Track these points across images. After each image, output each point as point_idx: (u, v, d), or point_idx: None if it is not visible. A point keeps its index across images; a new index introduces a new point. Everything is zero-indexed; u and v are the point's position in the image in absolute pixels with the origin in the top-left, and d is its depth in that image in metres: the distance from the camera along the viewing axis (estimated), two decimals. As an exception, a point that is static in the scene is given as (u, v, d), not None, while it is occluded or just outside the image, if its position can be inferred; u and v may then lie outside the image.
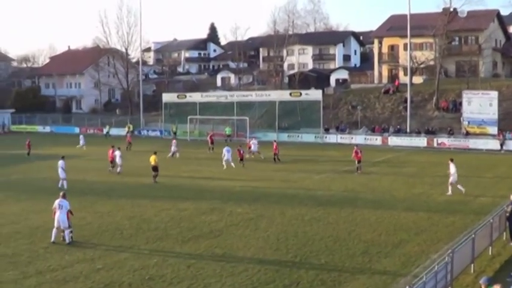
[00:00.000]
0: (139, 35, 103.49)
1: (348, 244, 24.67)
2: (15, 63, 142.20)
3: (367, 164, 49.43)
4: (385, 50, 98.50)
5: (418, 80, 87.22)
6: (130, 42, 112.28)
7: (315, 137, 74.04)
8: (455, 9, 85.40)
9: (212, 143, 62.19)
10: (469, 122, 68.82)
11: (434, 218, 29.27)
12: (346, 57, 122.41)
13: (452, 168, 36.26)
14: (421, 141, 67.25)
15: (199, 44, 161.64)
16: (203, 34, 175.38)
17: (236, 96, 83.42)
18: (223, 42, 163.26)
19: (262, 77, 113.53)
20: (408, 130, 72.72)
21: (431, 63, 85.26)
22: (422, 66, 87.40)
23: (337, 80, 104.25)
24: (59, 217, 25.09)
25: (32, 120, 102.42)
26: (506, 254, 23.14)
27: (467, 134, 67.89)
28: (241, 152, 50.85)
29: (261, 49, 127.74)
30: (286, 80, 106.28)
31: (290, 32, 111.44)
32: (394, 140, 68.76)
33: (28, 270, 21.60)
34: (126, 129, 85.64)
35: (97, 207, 33.29)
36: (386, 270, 21.35)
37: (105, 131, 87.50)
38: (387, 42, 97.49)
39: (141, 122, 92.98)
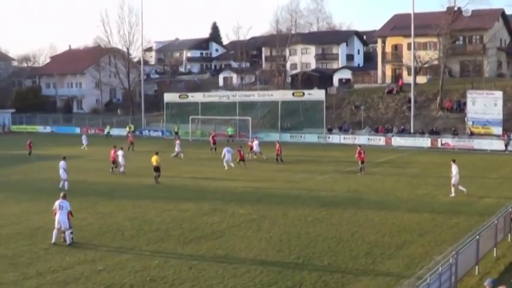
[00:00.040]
0: (140, 35, 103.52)
1: (351, 245, 24.66)
2: (15, 63, 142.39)
3: (371, 164, 49.42)
4: (388, 49, 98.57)
5: (422, 79, 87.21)
6: (131, 42, 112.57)
7: (318, 137, 73.99)
8: (459, 8, 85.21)
9: (214, 143, 62.16)
10: (473, 122, 68.80)
11: (439, 219, 29.24)
12: (349, 57, 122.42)
13: (454, 169, 36.22)
14: (425, 142, 67.15)
15: (201, 44, 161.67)
16: (205, 33, 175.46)
17: (238, 96, 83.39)
18: (225, 41, 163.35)
19: (264, 77, 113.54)
20: (412, 130, 72.65)
21: (435, 62, 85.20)
22: (426, 65, 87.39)
23: (340, 80, 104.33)
24: (60, 218, 25.11)
25: (33, 121, 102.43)
26: (511, 255, 23.11)
27: (472, 134, 67.84)
28: (242, 152, 50.85)
29: (263, 49, 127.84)
30: (288, 79, 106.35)
31: (293, 32, 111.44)
32: (397, 141, 68.68)
33: (28, 272, 21.61)
34: (127, 129, 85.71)
35: (98, 208, 33.31)
36: (389, 271, 21.34)
37: (106, 131, 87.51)
38: (391, 41, 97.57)
39: (143, 122, 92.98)
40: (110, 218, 30.69)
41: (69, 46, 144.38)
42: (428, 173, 45.91)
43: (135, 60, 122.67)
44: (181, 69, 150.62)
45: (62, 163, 40.50)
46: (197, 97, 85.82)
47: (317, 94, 78.50)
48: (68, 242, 25.02)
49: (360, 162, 46.38)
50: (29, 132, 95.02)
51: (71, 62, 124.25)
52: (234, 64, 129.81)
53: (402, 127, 74.51)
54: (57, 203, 25.53)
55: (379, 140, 69.83)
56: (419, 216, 29.98)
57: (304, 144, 71.14)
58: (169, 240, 25.77)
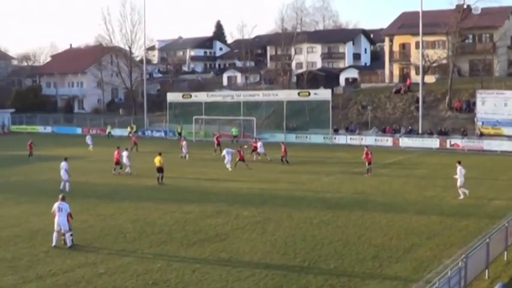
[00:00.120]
0: (143, 33, 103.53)
1: (358, 248, 24.63)
2: (15, 62, 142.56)
3: (378, 165, 49.37)
4: (396, 48, 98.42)
5: (430, 79, 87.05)
6: (134, 41, 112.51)
7: (324, 137, 73.89)
8: (468, 6, 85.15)
9: (219, 144, 61.94)
10: (483, 123, 68.61)
11: (447, 222, 29.19)
12: (356, 56, 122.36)
13: (458, 171, 36.12)
14: (434, 143, 66.96)
15: (205, 42, 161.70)
16: (209, 32, 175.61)
17: (243, 96, 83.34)
18: (229, 40, 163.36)
19: (269, 76, 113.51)
20: (420, 131, 72.50)
21: (444, 61, 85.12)
22: (434, 65, 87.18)
23: (346, 80, 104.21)
24: (59, 220, 25.13)
25: (33, 121, 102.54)
26: (522, 259, 23.07)
27: (481, 135, 67.64)
28: (242, 152, 50.86)
29: (268, 47, 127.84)
30: (294, 79, 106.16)
31: (298, 30, 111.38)
32: (405, 141, 68.54)
33: (28, 275, 21.63)
34: (129, 129, 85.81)
35: (99, 210, 33.34)
36: (397, 275, 21.30)
37: (107, 131, 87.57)
38: (398, 40, 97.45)
39: (145, 122, 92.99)
40: (111, 220, 30.71)
41: (70, 45, 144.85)
42: (437, 175, 45.81)
43: (138, 59, 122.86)
44: (185, 68, 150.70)
45: (63, 164, 40.55)
46: (201, 97, 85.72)
47: (323, 94, 78.39)
48: (68, 244, 25.04)
49: (366, 163, 46.31)
50: (29, 132, 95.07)
51: (72, 61, 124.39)
52: (239, 63, 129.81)
53: (410, 127, 74.39)
54: (56, 205, 25.55)
55: (387, 141, 69.67)
56: (427, 219, 29.92)
57: (310, 145, 71.07)
58: (172, 243, 25.77)
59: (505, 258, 22.60)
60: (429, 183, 42.07)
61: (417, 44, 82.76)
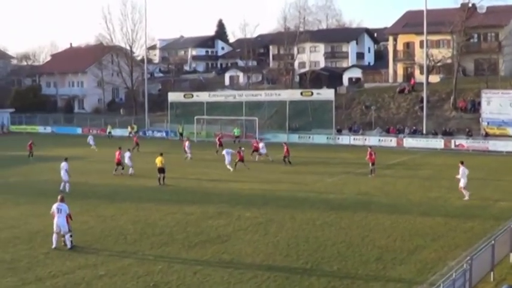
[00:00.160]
0: (144, 32, 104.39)
1: (361, 250, 24.61)
2: (14, 61, 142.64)
3: (382, 166, 49.34)
4: (400, 47, 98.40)
5: (434, 78, 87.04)
6: (135, 40, 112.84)
7: (327, 138, 73.86)
8: (473, 4, 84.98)
9: (221, 144, 61.91)
10: (488, 123, 68.55)
11: (452, 223, 29.16)
12: (360, 55, 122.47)
13: (461, 171, 36.07)
14: (438, 143, 66.92)
15: (207, 42, 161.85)
16: (211, 31, 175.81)
17: (245, 96, 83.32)
18: (231, 39, 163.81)
19: (272, 76, 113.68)
20: (424, 131, 72.44)
21: (449, 61, 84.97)
22: (439, 64, 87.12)
23: (350, 79, 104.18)
24: (58, 222, 25.12)
25: (33, 121, 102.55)
26: (528, 261, 23.03)
27: (487, 135, 67.57)
28: (241, 153, 50.90)
29: (270, 47, 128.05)
30: (297, 78, 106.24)
31: (301, 29, 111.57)
32: (409, 142, 68.49)
33: (27, 277, 21.63)
34: (129, 129, 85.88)
35: (100, 211, 33.34)
36: (401, 277, 21.27)
37: (107, 131, 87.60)
38: (402, 39, 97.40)
39: (146, 123, 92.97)
40: (111, 221, 30.71)
41: (71, 44, 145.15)
42: (442, 175, 45.73)
43: (139, 58, 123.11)
44: (186, 67, 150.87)
45: (63, 164, 40.56)
46: (202, 97, 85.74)
47: (326, 94, 78.33)
48: (68, 246, 25.03)
49: (370, 164, 46.26)
50: (28, 132, 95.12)
51: (72, 60, 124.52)
52: (241, 63, 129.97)
53: (414, 128, 74.32)
54: (55, 206, 25.53)
55: (391, 141, 69.64)
56: (432, 220, 29.89)
57: (313, 145, 71.06)
58: (173, 245, 25.77)
59: (511, 260, 22.52)
60: (434, 184, 42.02)
61: (421, 43, 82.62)
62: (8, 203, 36.41)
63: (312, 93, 78.15)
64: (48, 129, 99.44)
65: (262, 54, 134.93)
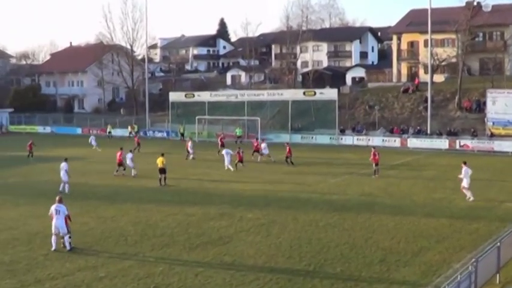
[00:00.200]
0: (145, 31, 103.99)
1: (365, 252, 24.59)
2: (14, 60, 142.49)
3: (385, 167, 49.32)
4: (404, 46, 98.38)
5: (439, 78, 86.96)
6: (135, 39, 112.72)
7: (330, 138, 73.85)
8: (479, 3, 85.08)
9: (223, 145, 61.92)
10: (493, 123, 68.52)
11: (457, 225, 29.13)
12: (363, 55, 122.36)
13: (463, 171, 36.03)
14: (443, 143, 66.88)
15: (208, 41, 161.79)
16: (212, 30, 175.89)
17: (247, 96, 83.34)
18: (233, 38, 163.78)
19: (274, 75, 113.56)
20: (429, 131, 72.43)
21: (454, 60, 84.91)
22: (443, 63, 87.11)
23: (353, 79, 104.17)
24: (56, 223, 25.06)
25: (32, 120, 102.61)
26: (534, 263, 22.99)
27: (492, 135, 67.51)
28: (241, 154, 50.99)
29: (273, 46, 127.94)
30: (299, 78, 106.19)
31: (304, 28, 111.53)
32: (413, 142, 68.46)
33: (26, 279, 21.62)
34: (129, 129, 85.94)
35: (100, 212, 33.35)
36: (405, 279, 21.25)
37: (107, 131, 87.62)
38: (406, 38, 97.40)
39: (147, 123, 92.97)
40: (112, 222, 30.72)
41: (70, 43, 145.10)
42: (446, 176, 45.62)
43: (139, 57, 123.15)
44: (188, 67, 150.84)
45: (63, 165, 40.58)
46: (204, 96, 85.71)
47: (329, 93, 78.34)
48: (67, 247, 25.01)
49: (374, 165, 46.25)
50: (28, 132, 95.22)
51: (72, 59, 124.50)
52: (243, 62, 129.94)
53: (418, 128, 74.26)
54: (53, 207, 25.48)
55: (394, 142, 69.60)
56: (436, 222, 29.87)
57: (316, 146, 71.07)
58: (174, 246, 25.76)
59: (517, 262, 22.58)
60: (438, 185, 41.99)
61: (426, 42, 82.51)
62: (7, 203, 36.42)
63: (315, 93, 78.13)
64: (48, 129, 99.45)
65: (264, 54, 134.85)
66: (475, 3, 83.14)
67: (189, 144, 59.35)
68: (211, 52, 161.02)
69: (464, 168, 36.11)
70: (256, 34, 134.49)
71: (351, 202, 35.85)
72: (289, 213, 32.19)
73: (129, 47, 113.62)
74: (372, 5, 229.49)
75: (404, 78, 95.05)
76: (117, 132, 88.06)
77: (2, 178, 47.84)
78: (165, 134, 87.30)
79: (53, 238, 25.18)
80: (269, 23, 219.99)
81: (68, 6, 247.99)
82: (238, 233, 28.14)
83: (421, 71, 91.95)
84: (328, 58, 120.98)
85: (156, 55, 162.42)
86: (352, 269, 22.47)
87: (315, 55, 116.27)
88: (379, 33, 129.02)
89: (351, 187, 41.57)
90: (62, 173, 40.22)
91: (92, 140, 70.43)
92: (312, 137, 75.63)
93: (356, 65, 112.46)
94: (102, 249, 25.49)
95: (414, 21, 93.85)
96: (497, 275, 20.43)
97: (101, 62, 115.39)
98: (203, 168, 51.95)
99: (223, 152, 51.50)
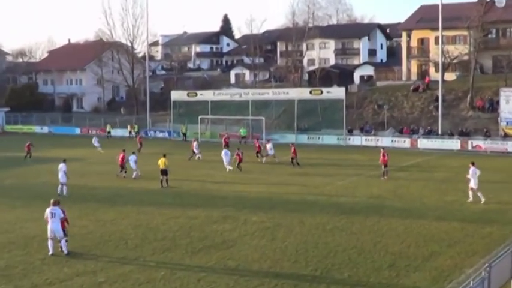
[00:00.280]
0: (146, 28, 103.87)
1: (374, 256, 24.55)
2: (10, 58, 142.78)
3: (395, 168, 49.30)
4: (414, 43, 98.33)
5: (450, 76, 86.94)
6: (136, 36, 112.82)
7: (338, 138, 73.84)
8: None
9: (227, 145, 62.02)
10: (507, 123, 68.40)
11: (469, 229, 29.07)
12: (372, 52, 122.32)
13: (471, 172, 35.97)
14: (454, 144, 66.78)
15: (212, 38, 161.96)
16: (215, 27, 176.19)
17: (251, 95, 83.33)
18: (237, 35, 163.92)
19: (279, 74, 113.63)
20: (440, 132, 72.29)
21: (466, 58, 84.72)
22: (455, 61, 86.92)
23: (361, 77, 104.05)
24: (52, 227, 24.99)
25: (29, 120, 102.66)
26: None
27: (506, 136, 67.40)
28: (240, 155, 51.09)
29: (278, 43, 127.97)
30: (305, 76, 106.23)
31: (310, 25, 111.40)
32: (424, 143, 68.41)
33: (23, 284, 21.63)
34: (129, 129, 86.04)
35: (99, 215, 33.38)
36: (415, 285, 21.23)
37: (106, 131, 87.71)
38: (417, 35, 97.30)
39: (148, 122, 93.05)
40: (112, 225, 30.73)
41: (69, 40, 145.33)
42: (458, 178, 45.40)
43: (140, 55, 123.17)
44: (190, 65, 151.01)
45: (61, 166, 40.62)
46: (207, 95, 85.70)
47: (336, 92, 78.28)
48: (65, 251, 24.98)
49: (382, 166, 46.20)
50: (24, 132, 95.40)
51: (71, 57, 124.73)
52: (247, 60, 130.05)
53: (429, 128, 74.19)
54: (48, 210, 25.39)
55: (404, 142, 69.56)
56: (448, 225, 29.82)
57: (323, 146, 71.05)
58: (176, 250, 25.76)
59: (531, 268, 22.51)
60: (449, 187, 41.92)
61: (437, 39, 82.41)
62: (3, 206, 36.48)
63: (322, 92, 78.05)
64: (45, 129, 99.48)
65: (269, 51, 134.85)
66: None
67: (195, 144, 59.51)
68: (214, 49, 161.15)
69: (472, 169, 36.08)
70: (261, 31, 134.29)
71: (359, 205, 35.83)
72: (295, 216, 32.17)
73: (129, 44, 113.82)
74: (381, 0, 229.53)
75: (414, 77, 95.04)
76: (117, 132, 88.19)
77: (-2, 180, 47.99)
78: (166, 134, 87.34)
79: (49, 242, 25.12)
80: (274, 19, 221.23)
81: (67, 2, 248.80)
82: (243, 236, 28.14)
83: (432, 69, 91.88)
84: (336, 56, 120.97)
85: (158, 53, 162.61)
86: (360, 274, 22.43)
87: (321, 53, 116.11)
88: (388, 30, 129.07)
89: (359, 189, 41.55)
90: (60, 175, 40.25)
91: (95, 141, 70.37)
92: (319, 138, 75.59)
93: (364, 63, 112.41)
94: (102, 253, 25.49)
95: (425, 17, 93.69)
96: (512, 280, 20.43)
97: (100, 60, 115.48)
98: (206, 170, 51.99)
99: (223, 152, 51.61)
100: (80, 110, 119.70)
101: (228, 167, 50.28)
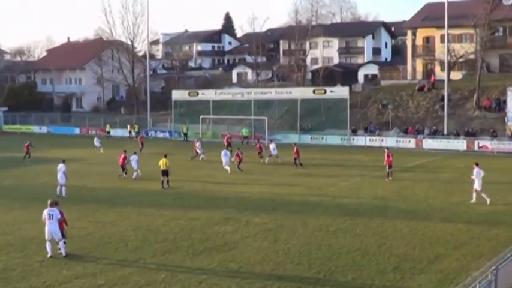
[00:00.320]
0: (146, 26, 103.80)
1: (378, 259, 24.53)
2: (8, 57, 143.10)
3: (399, 169, 49.26)
4: (419, 42, 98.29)
5: (456, 75, 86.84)
6: (136, 34, 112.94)
7: (341, 139, 73.82)
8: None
9: (229, 146, 62.07)
10: (514, 123, 68.46)
11: (475, 230, 29.04)
12: (376, 51, 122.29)
13: (475, 173, 35.94)
14: (460, 144, 66.73)
15: (213, 36, 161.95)
16: (217, 25, 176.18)
17: (254, 94, 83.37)
18: (239, 34, 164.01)
19: (282, 73, 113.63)
20: (445, 132, 72.25)
21: (472, 56, 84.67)
22: (461, 60, 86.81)
23: (365, 76, 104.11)
24: (50, 228, 24.94)
25: (27, 120, 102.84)
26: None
27: (513, 136, 67.47)
28: (240, 156, 51.15)
29: (281, 42, 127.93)
30: (309, 76, 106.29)
31: (313, 23, 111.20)
32: (429, 143, 68.36)
33: (21, 287, 21.63)
34: (129, 128, 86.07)
35: (99, 216, 33.38)
36: (421, 288, 21.22)
37: (106, 130, 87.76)
38: (422, 33, 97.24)
39: (149, 122, 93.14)
40: (111, 227, 30.73)
41: (68, 38, 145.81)
42: (464, 179, 45.24)
43: (140, 54, 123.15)
44: (191, 64, 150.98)
45: (61, 166, 40.63)
46: (208, 95, 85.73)
47: (340, 91, 78.30)
48: (63, 253, 24.95)
49: (387, 167, 46.16)
50: (23, 132, 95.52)
51: (70, 55, 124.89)
52: (249, 58, 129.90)
53: (434, 128, 74.15)
54: (45, 212, 25.32)
55: (409, 142, 69.54)
56: (453, 227, 29.78)
57: (326, 147, 71.05)
58: (177, 252, 25.76)
59: (539, 270, 22.47)
60: (455, 188, 41.87)
61: (442, 37, 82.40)
62: (0, 207, 36.50)
63: (325, 91, 78.08)
64: (44, 129, 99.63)
65: (272, 50, 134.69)
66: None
67: (198, 144, 59.56)
68: (216, 48, 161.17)
69: (476, 170, 36.06)
70: (264, 29, 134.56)
71: (363, 206, 35.81)
72: (298, 218, 32.16)
73: (129, 42, 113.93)
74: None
75: (419, 76, 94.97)
76: (117, 132, 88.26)
77: (-4, 180, 48.02)
78: (167, 134, 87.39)
79: (47, 244, 25.08)
80: (277, 17, 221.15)
81: (66, 0, 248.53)
82: (245, 238, 28.12)
83: (437, 68, 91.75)
84: (339, 54, 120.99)
85: (158, 51, 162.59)
86: (365, 276, 22.41)
87: (325, 51, 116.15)
88: (392, 28, 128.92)
89: (363, 190, 41.54)
90: (60, 175, 40.25)
91: (96, 141, 70.35)
92: (322, 138, 75.60)
93: (368, 62, 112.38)
94: (101, 255, 25.49)
95: (430, 15, 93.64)
96: (519, 283, 20.40)
97: (100, 59, 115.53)
98: (208, 170, 51.99)
99: (222, 153, 51.64)
100: (79, 109, 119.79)
101: (226, 168, 50.29)
